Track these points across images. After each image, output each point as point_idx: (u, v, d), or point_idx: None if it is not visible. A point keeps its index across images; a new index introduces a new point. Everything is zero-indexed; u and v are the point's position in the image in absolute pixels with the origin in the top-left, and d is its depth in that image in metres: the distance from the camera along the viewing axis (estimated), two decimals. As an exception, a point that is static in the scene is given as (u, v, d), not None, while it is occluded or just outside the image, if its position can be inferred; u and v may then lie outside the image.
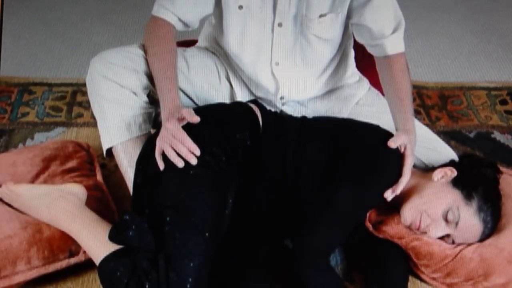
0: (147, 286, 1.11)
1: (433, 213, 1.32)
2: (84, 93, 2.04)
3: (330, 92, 1.64)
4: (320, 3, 1.43)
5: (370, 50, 1.55)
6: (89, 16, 2.59)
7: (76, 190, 1.39)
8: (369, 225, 1.41)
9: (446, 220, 1.32)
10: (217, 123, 1.33)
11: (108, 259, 1.19)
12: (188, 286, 1.11)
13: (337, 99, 1.64)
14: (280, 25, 1.45)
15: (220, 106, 1.47)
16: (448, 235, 1.35)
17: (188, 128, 1.27)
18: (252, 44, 1.49)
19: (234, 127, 1.34)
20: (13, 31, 2.41)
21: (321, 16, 1.45)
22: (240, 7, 1.43)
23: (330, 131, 1.40)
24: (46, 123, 1.91)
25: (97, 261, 1.21)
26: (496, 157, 1.76)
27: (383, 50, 1.50)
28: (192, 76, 1.54)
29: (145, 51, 1.44)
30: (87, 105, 1.98)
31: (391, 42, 1.49)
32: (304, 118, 1.49)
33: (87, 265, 1.37)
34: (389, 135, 1.38)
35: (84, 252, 1.34)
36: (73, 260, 1.35)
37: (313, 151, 1.36)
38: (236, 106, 1.44)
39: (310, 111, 1.60)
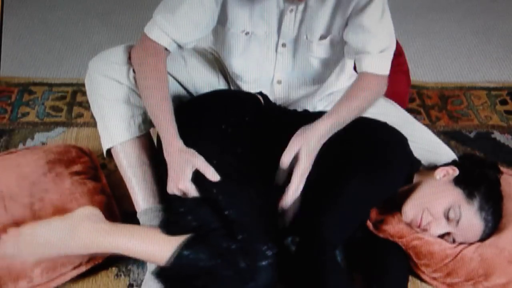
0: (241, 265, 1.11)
1: (435, 211, 1.33)
2: (84, 93, 2.00)
3: (328, 95, 1.64)
4: (319, 26, 1.42)
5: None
6: (89, 16, 2.59)
7: (93, 210, 1.32)
8: (369, 224, 1.42)
9: (447, 218, 1.32)
10: (226, 106, 1.38)
11: (182, 254, 1.15)
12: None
13: (336, 101, 1.64)
14: (284, 45, 1.45)
15: (226, 91, 1.52)
16: (448, 234, 1.35)
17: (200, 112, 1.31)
18: (256, 64, 1.49)
19: (242, 110, 1.38)
20: (13, 31, 2.41)
21: (321, 38, 1.44)
22: (247, 33, 1.42)
23: None
24: (46, 123, 1.90)
25: (164, 262, 1.16)
26: (496, 157, 1.76)
27: (359, 65, 1.44)
28: (191, 74, 1.54)
29: (135, 78, 1.40)
30: (87, 105, 1.98)
31: (369, 60, 1.42)
32: (306, 111, 1.51)
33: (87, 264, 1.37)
34: (396, 131, 1.39)
35: (87, 262, 1.34)
36: (75, 272, 1.35)
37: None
38: (240, 94, 1.49)
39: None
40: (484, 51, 2.46)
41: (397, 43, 1.95)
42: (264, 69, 1.50)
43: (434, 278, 1.38)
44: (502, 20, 2.71)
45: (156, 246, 1.19)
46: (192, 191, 1.22)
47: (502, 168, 1.46)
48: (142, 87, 1.35)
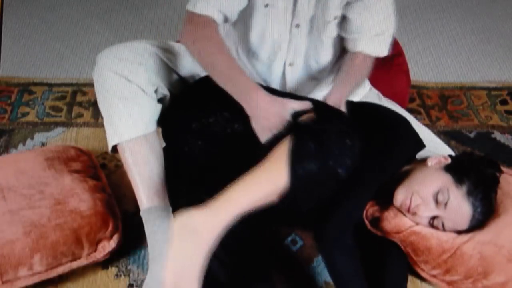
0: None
1: (424, 194, 1.34)
2: (84, 93, 2.04)
3: (328, 85, 1.64)
4: (335, 6, 1.43)
5: (344, 42, 1.54)
6: (89, 16, 2.59)
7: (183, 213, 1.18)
8: (366, 222, 1.42)
9: (436, 201, 1.33)
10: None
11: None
12: None
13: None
14: (297, 26, 1.46)
15: None
16: (437, 217, 1.35)
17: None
18: (271, 41, 1.49)
19: None
20: (13, 31, 2.41)
21: (335, 18, 1.46)
22: (266, 5, 1.43)
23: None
24: (46, 123, 1.91)
25: (287, 178, 1.13)
26: (496, 157, 1.75)
27: (355, 45, 1.49)
28: (195, 69, 1.53)
29: (190, 52, 1.40)
30: (87, 105, 1.98)
31: (366, 41, 1.48)
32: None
33: (87, 266, 1.37)
34: (398, 113, 1.45)
35: (88, 255, 1.34)
36: (75, 264, 1.35)
37: None
38: None
39: None
40: (484, 51, 2.46)
41: (397, 43, 1.96)
42: (279, 49, 1.51)
43: (434, 276, 1.38)
44: (502, 20, 2.71)
45: (269, 173, 1.16)
46: None
47: (502, 168, 1.45)
48: (205, 54, 1.35)
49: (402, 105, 1.76)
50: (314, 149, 1.14)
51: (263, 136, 1.28)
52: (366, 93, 1.67)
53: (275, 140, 1.23)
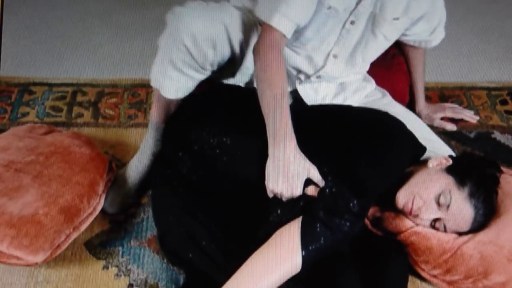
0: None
1: (426, 196, 1.34)
2: (84, 93, 2.04)
3: (341, 84, 1.66)
4: (395, 7, 1.47)
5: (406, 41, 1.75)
6: (89, 16, 2.59)
7: None
8: (367, 222, 1.42)
9: (438, 203, 1.33)
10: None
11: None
12: None
13: (347, 90, 1.65)
14: (352, 23, 1.48)
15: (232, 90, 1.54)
16: (439, 220, 1.35)
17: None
18: (321, 34, 1.50)
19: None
20: (13, 31, 2.41)
21: (394, 19, 1.49)
22: (329, 7, 1.43)
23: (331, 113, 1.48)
24: (46, 123, 1.90)
25: (300, 262, 1.20)
26: (496, 157, 1.76)
27: (424, 45, 1.78)
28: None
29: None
30: (87, 105, 1.98)
31: (434, 38, 1.76)
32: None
33: (87, 264, 1.38)
34: (393, 117, 1.45)
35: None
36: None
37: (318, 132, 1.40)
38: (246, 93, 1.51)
39: (320, 99, 1.62)
40: (484, 51, 2.46)
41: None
42: (325, 41, 1.51)
43: (434, 276, 1.38)
44: (502, 20, 2.70)
45: (283, 254, 1.20)
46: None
47: (502, 168, 1.46)
48: (261, 79, 1.35)
49: (401, 104, 1.76)
50: (324, 233, 1.21)
51: (271, 181, 1.28)
52: (373, 90, 1.68)
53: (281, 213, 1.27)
